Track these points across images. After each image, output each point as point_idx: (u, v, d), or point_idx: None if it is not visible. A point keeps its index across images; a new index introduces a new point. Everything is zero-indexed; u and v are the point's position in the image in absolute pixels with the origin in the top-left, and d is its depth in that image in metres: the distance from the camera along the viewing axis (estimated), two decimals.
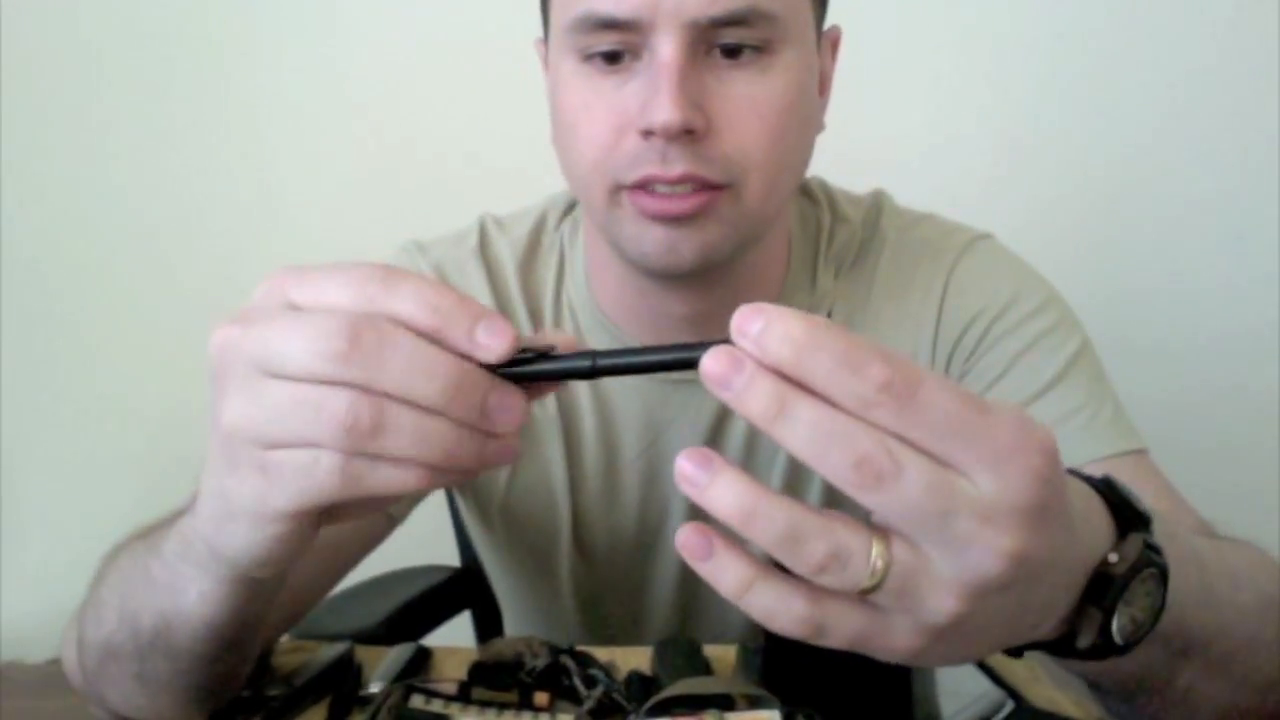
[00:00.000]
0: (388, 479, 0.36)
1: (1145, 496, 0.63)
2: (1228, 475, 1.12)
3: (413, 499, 0.75)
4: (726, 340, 0.32)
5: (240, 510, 0.39)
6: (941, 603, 0.33)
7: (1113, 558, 0.38)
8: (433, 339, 0.35)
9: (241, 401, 0.36)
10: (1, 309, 1.46)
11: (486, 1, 1.31)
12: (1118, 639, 0.38)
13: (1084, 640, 0.39)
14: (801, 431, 0.31)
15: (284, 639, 0.70)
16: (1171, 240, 1.39)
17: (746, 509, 0.32)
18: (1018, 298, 0.72)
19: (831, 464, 0.31)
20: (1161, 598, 0.39)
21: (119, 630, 0.52)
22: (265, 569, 0.43)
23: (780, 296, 0.73)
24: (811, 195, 0.78)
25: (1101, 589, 0.38)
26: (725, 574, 0.33)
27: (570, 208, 0.79)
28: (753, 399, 0.31)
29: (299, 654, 0.65)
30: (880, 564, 0.32)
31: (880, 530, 0.32)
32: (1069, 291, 0.75)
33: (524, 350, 0.36)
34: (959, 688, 0.58)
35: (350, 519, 0.42)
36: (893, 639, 0.34)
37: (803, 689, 0.54)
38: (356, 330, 0.34)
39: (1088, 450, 0.66)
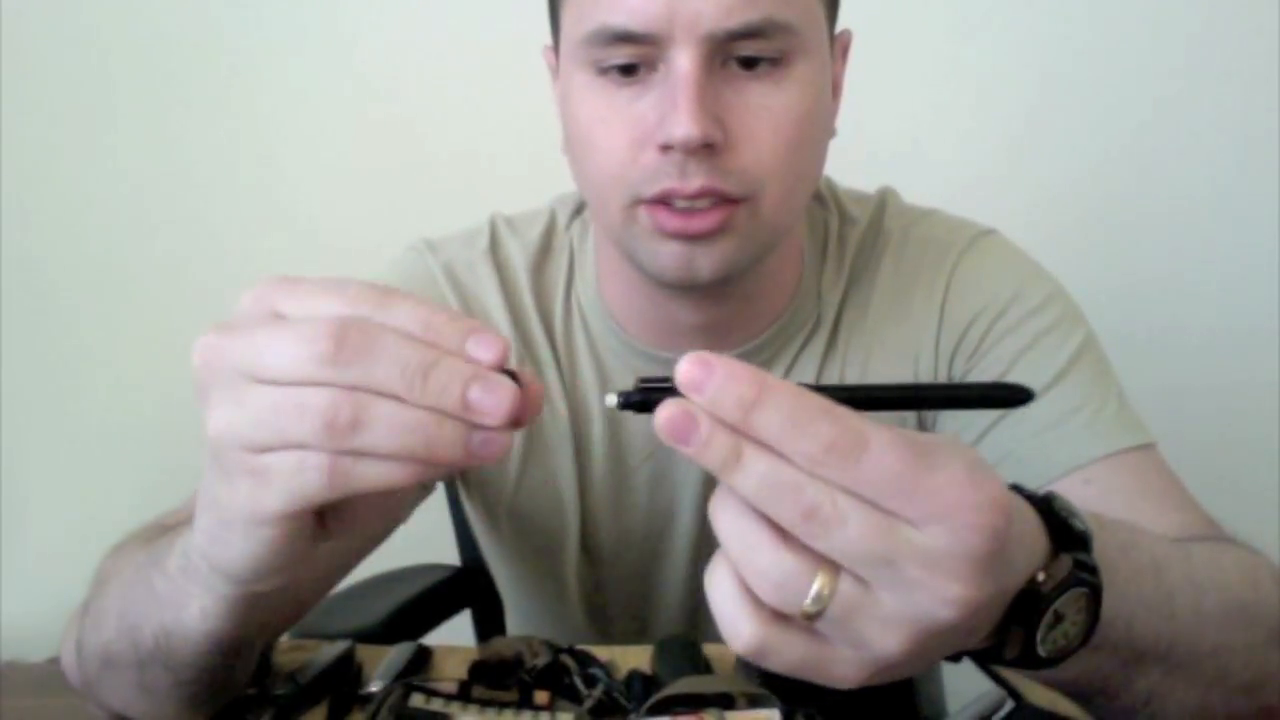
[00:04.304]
0: (375, 475, 0.36)
1: (1142, 495, 0.64)
2: (1228, 469, 1.12)
3: (414, 500, 0.75)
4: (668, 384, 0.34)
5: (234, 517, 0.39)
6: (889, 640, 0.34)
7: (1040, 577, 0.38)
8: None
9: (227, 408, 0.36)
10: (1, 309, 1.46)
11: None
12: (1042, 654, 0.39)
13: (1009, 653, 0.40)
14: (754, 482, 0.33)
15: (284, 639, 0.69)
16: (1172, 234, 1.39)
17: (715, 506, 0.35)
18: (1020, 295, 0.72)
19: (782, 512, 0.33)
20: (1094, 616, 0.40)
21: (118, 640, 0.51)
22: (262, 581, 0.42)
23: (789, 306, 0.73)
24: (820, 197, 0.78)
25: (1026, 607, 0.38)
26: (711, 587, 0.35)
27: (579, 209, 0.79)
28: (710, 453, 0.33)
29: (299, 653, 0.65)
30: (825, 593, 0.33)
31: (831, 563, 0.33)
32: (1070, 285, 0.75)
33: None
34: (959, 687, 0.58)
35: (352, 530, 0.42)
36: (836, 669, 0.35)
37: (803, 689, 0.54)
38: (343, 332, 0.34)
39: (1090, 448, 0.66)
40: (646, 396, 0.35)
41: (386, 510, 0.43)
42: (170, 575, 0.47)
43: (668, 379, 0.34)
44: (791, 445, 0.32)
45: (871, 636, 0.34)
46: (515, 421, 0.36)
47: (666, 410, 0.33)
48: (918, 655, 0.35)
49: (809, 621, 0.34)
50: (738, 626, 0.35)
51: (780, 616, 0.34)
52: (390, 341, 0.35)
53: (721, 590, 0.35)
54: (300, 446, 0.35)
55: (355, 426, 0.34)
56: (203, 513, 0.41)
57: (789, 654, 0.35)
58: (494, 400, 0.35)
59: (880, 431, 0.33)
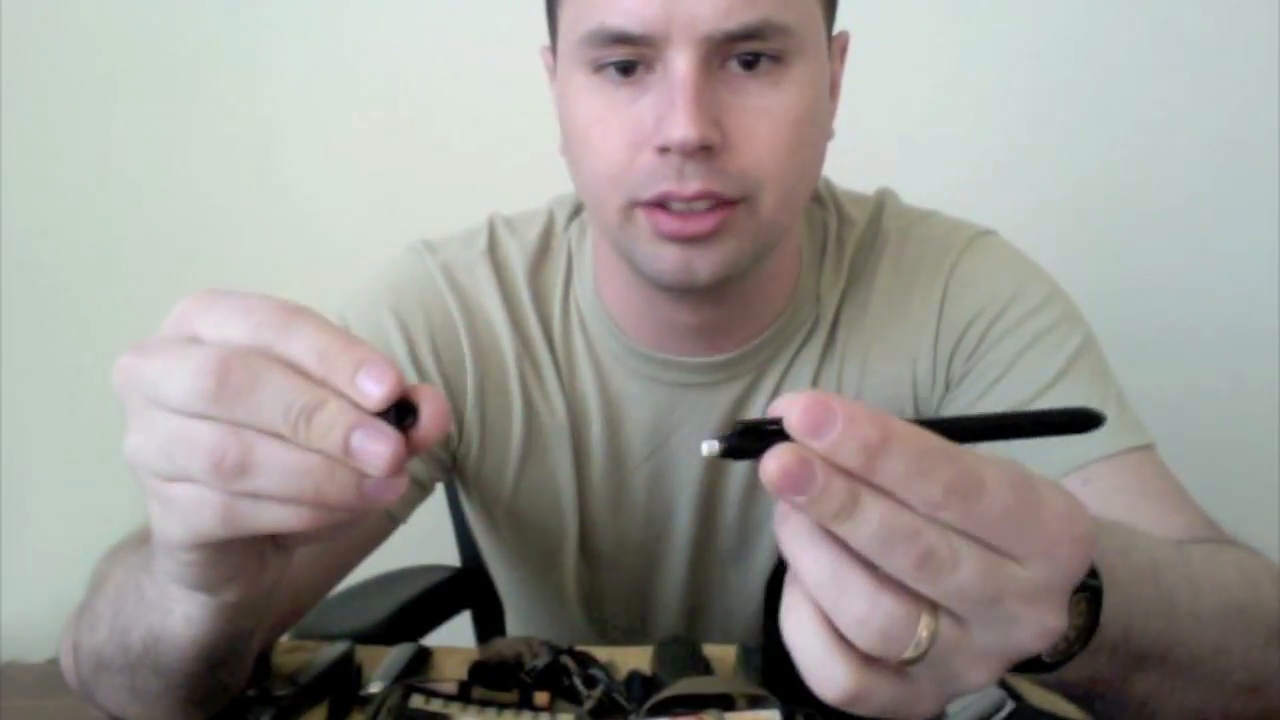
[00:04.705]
0: (272, 518, 0.35)
1: (1142, 496, 0.64)
2: (1228, 469, 1.12)
3: (413, 500, 0.75)
4: (777, 428, 0.31)
5: (158, 538, 0.39)
6: (977, 675, 0.34)
7: None
8: (318, 383, 0.34)
9: (138, 432, 0.36)
10: (1, 309, 1.46)
11: None
12: (1044, 657, 0.39)
13: None
14: (870, 530, 0.31)
15: (284, 639, 0.69)
16: (1172, 235, 1.39)
17: (796, 546, 0.33)
18: (1019, 295, 0.72)
19: (895, 559, 0.31)
20: (1094, 618, 0.40)
21: (110, 643, 0.51)
22: (218, 593, 0.43)
23: (787, 307, 0.73)
24: (819, 198, 0.78)
25: None
26: (795, 633, 0.34)
27: (577, 210, 0.79)
28: (825, 502, 0.30)
29: (299, 654, 0.65)
30: (928, 636, 0.32)
31: (929, 603, 0.32)
32: (1069, 286, 0.75)
33: (402, 401, 0.34)
34: None
35: (306, 543, 0.42)
36: (919, 706, 0.35)
37: (803, 689, 0.54)
38: (226, 367, 0.34)
39: (1089, 449, 0.66)
40: (749, 443, 0.32)
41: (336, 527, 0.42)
42: (157, 580, 0.47)
43: (774, 421, 0.31)
44: (913, 490, 0.31)
45: (961, 673, 0.34)
46: (412, 450, 0.35)
47: (780, 459, 0.30)
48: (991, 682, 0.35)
49: (905, 665, 0.33)
50: (833, 675, 0.33)
51: (871, 660, 0.33)
52: (274, 380, 0.34)
53: (809, 637, 0.33)
54: (196, 482, 0.35)
55: (243, 469, 0.34)
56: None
57: (880, 698, 0.34)
58: (375, 450, 0.34)
59: (992, 469, 0.32)
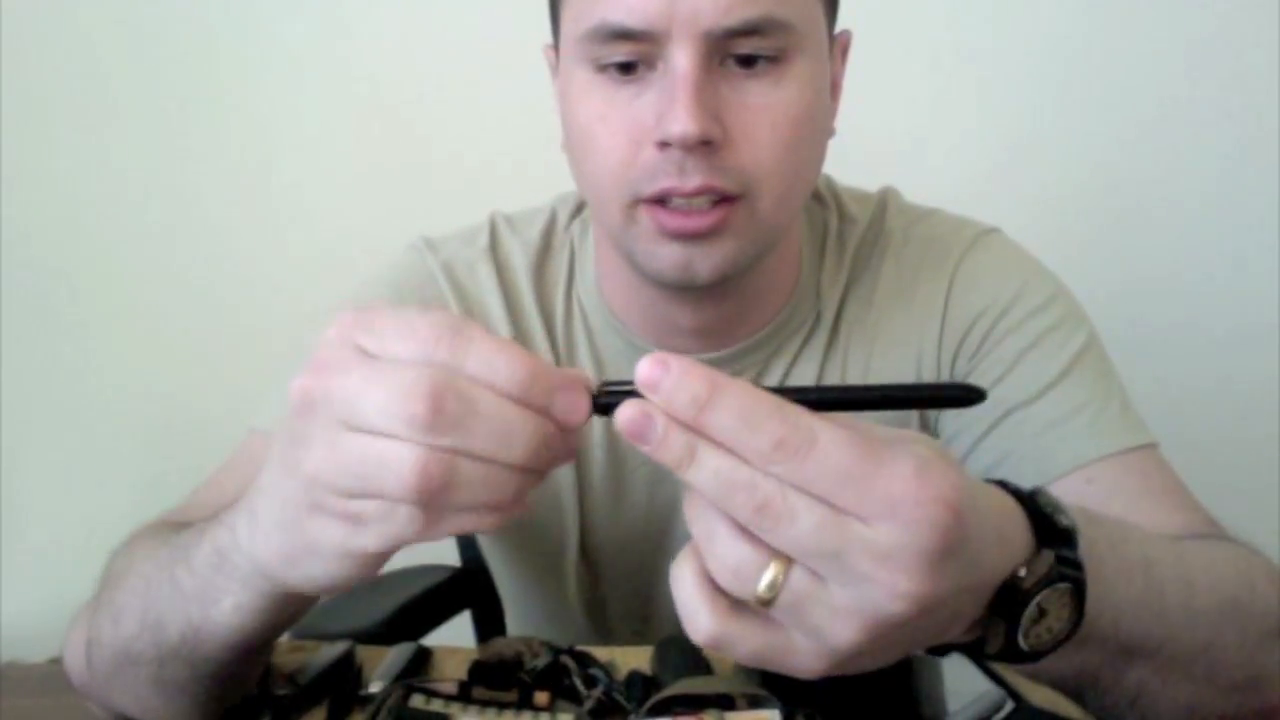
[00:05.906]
0: (465, 523, 0.37)
1: (1144, 495, 0.64)
2: (1228, 469, 1.12)
3: None
4: (630, 385, 0.35)
5: (324, 550, 0.39)
6: (842, 631, 0.35)
7: (1021, 572, 0.39)
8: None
9: (323, 451, 0.37)
10: (1, 309, 1.46)
11: None
12: (1024, 647, 0.39)
13: (991, 647, 0.40)
14: (707, 478, 0.34)
15: (284, 639, 0.69)
16: (1172, 234, 1.39)
17: (686, 500, 0.36)
18: (1022, 294, 0.72)
19: (735, 507, 0.34)
20: (1079, 611, 0.40)
21: (140, 636, 0.52)
22: (332, 590, 0.43)
23: (787, 306, 0.73)
24: (819, 196, 0.78)
25: (1008, 601, 0.39)
26: (676, 581, 0.37)
27: (580, 208, 0.79)
28: (666, 450, 0.34)
29: (299, 654, 0.65)
30: (778, 580, 0.34)
31: (787, 555, 0.35)
32: (1071, 285, 0.75)
33: (606, 386, 0.37)
34: (959, 687, 0.58)
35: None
36: (794, 659, 0.36)
37: (803, 689, 0.54)
38: (439, 395, 0.35)
39: (1092, 448, 0.66)
40: (610, 399, 0.36)
41: None
42: (198, 572, 0.48)
43: (629, 381, 0.35)
44: (743, 442, 0.33)
45: (825, 626, 0.35)
46: None
47: (625, 410, 0.34)
48: (876, 647, 0.35)
49: (764, 608, 0.35)
50: (697, 618, 0.36)
51: (739, 607, 0.36)
52: (486, 408, 0.35)
53: (684, 582, 0.37)
54: (389, 499, 0.36)
55: (446, 488, 0.35)
56: (272, 533, 0.42)
57: (748, 643, 0.36)
58: (568, 454, 0.38)
59: (831, 429, 0.33)
